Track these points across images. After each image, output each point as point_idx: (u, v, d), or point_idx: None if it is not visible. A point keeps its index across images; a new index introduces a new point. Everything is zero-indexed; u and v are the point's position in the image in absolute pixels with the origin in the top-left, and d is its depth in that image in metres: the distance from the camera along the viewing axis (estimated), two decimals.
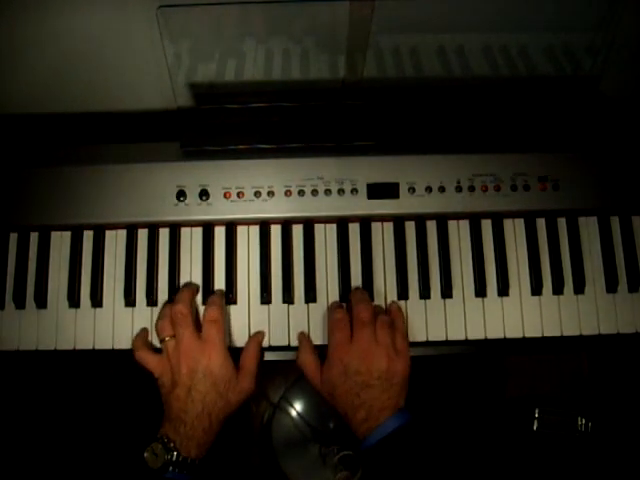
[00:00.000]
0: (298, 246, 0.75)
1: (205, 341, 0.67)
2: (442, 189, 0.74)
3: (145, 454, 0.63)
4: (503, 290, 0.74)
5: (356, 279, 0.74)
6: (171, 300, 0.72)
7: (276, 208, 0.73)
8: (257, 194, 0.73)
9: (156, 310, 0.73)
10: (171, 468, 0.63)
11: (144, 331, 0.72)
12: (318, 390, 0.69)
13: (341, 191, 0.73)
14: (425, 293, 0.73)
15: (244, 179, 0.73)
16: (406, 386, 0.67)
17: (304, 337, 0.72)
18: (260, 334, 0.72)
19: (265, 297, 0.73)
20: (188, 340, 0.66)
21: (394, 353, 0.66)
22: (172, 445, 0.63)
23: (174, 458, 0.63)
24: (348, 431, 0.67)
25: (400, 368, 0.66)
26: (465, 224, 0.75)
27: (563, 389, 1.05)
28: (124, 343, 0.72)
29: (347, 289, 0.73)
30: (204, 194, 0.73)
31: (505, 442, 1.00)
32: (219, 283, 0.73)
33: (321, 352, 0.70)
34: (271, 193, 0.73)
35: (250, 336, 0.72)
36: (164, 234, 0.75)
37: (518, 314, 0.73)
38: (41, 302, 0.73)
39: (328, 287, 0.74)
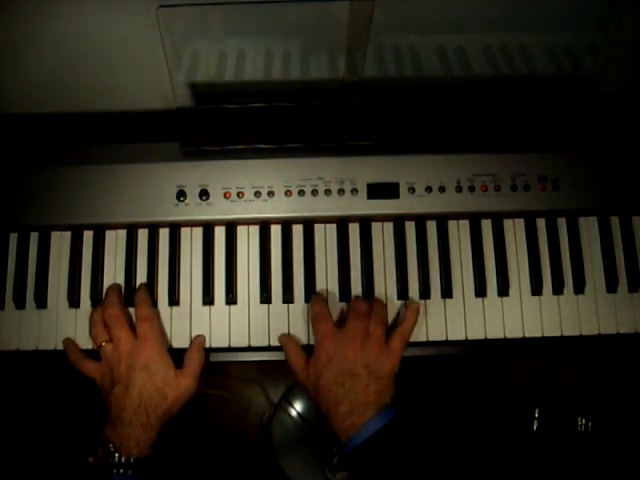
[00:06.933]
0: (298, 246, 0.75)
1: (141, 339, 0.68)
2: (442, 189, 0.74)
3: (90, 459, 0.63)
4: (503, 290, 0.74)
5: (356, 279, 0.74)
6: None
7: (276, 208, 0.73)
8: (257, 194, 0.73)
9: (157, 309, 0.73)
10: (115, 470, 0.62)
11: (70, 341, 0.71)
12: (304, 385, 0.69)
13: (341, 191, 0.73)
14: (425, 293, 0.73)
15: (244, 179, 0.73)
16: (393, 384, 0.67)
17: (286, 337, 0.72)
18: (201, 337, 0.72)
19: (265, 297, 0.73)
20: (125, 340, 0.68)
21: (385, 347, 0.67)
22: (112, 447, 0.63)
23: (116, 460, 0.63)
24: None
25: (388, 364, 0.66)
26: (465, 224, 0.75)
27: (563, 389, 1.05)
28: None
29: (347, 289, 0.73)
30: (204, 194, 0.73)
31: (505, 442, 1.00)
32: (219, 283, 0.73)
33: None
34: (271, 193, 0.73)
35: (192, 339, 0.72)
36: (164, 234, 0.75)
37: (518, 314, 0.73)
38: (41, 302, 0.73)
39: (328, 287, 0.73)
